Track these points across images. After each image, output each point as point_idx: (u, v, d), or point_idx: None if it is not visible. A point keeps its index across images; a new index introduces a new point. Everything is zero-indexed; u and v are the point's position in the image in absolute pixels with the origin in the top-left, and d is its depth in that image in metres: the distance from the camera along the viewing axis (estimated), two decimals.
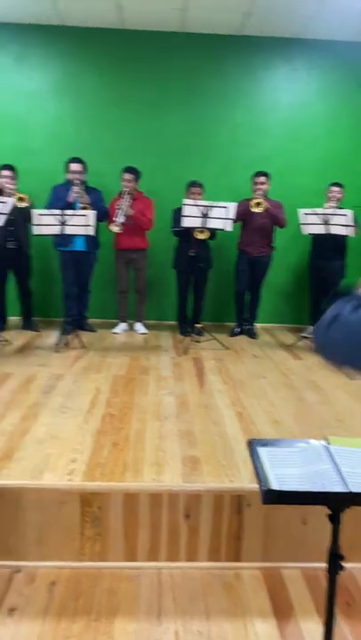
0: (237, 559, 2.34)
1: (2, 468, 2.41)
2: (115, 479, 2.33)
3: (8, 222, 4.55)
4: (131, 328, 5.37)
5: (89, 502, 2.27)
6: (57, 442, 2.69)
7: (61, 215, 4.30)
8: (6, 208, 4.37)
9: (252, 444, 1.61)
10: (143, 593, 2.16)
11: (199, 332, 4.98)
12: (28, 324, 5.25)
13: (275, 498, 1.40)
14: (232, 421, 3.06)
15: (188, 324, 5.26)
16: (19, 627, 1.97)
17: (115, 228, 4.85)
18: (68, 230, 4.35)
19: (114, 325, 5.33)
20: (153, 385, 3.66)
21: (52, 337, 4.80)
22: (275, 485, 1.41)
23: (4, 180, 4.80)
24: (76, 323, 5.06)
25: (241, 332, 5.38)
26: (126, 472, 2.40)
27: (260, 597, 2.16)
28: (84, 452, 2.58)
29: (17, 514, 2.28)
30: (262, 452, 1.58)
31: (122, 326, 5.34)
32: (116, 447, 2.65)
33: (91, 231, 4.40)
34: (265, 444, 1.63)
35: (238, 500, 2.31)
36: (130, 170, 5.06)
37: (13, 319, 5.30)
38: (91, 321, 5.37)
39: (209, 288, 5.40)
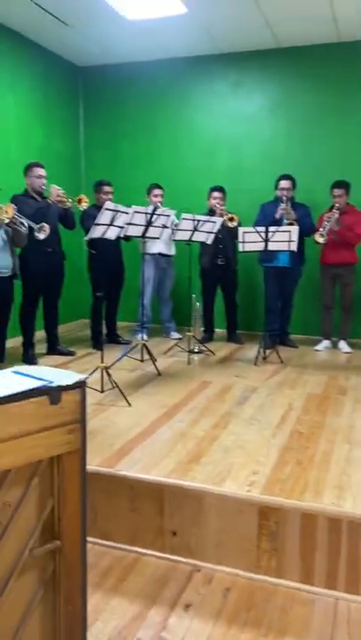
0: None
1: (189, 470, 2.56)
2: (293, 497, 2.30)
3: (218, 240, 4.84)
4: (334, 346, 5.20)
5: (266, 516, 2.29)
6: (242, 452, 2.76)
7: (265, 232, 4.40)
8: (215, 227, 4.66)
9: None
10: (316, 620, 2.08)
11: None
12: (232, 337, 5.46)
13: None
14: None
15: None
16: (192, 623, 2.07)
17: (319, 239, 4.78)
18: (272, 246, 4.43)
19: (316, 342, 5.23)
20: (349, 406, 3.50)
21: (252, 350, 4.91)
22: None
23: (215, 201, 5.13)
24: (277, 337, 5.11)
25: None
26: (306, 492, 2.35)
27: None
28: (266, 465, 2.61)
29: (199, 515, 2.40)
30: None
31: (324, 343, 5.20)
32: (300, 465, 2.61)
33: (293, 247, 4.41)
34: None
35: None
36: (339, 184, 4.94)
37: (219, 331, 5.57)
38: (293, 337, 5.36)
39: None
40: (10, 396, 1.43)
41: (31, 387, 1.49)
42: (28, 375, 1.58)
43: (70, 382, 1.56)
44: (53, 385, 1.52)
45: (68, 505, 1.60)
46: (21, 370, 1.64)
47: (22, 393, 1.46)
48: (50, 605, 1.63)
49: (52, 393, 1.52)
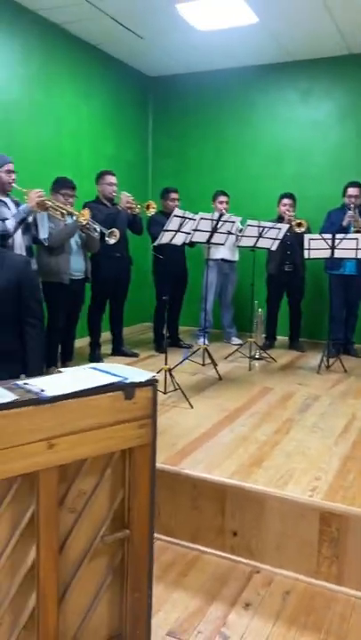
0: None
1: (251, 472, 2.60)
2: (356, 505, 2.29)
3: (285, 247, 4.85)
4: None
5: (328, 522, 2.29)
6: (304, 458, 2.77)
7: (331, 239, 4.37)
8: (280, 234, 4.67)
9: None
10: None
11: None
12: (294, 345, 5.43)
13: None
14: None
15: None
16: (251, 622, 2.11)
17: None
18: (338, 254, 4.39)
19: None
20: None
21: (315, 358, 4.86)
22: None
23: (284, 207, 5.14)
24: (341, 346, 5.04)
25: None
26: None
27: None
28: (328, 472, 2.60)
29: (260, 518, 2.43)
30: None
31: None
32: None
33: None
34: None
35: None
36: None
37: (280, 338, 5.55)
38: (357, 346, 5.27)
39: None
40: (88, 389, 1.53)
41: (108, 382, 1.59)
42: (104, 371, 1.68)
43: (143, 379, 1.65)
44: (128, 381, 1.62)
45: (138, 496, 1.68)
46: (98, 366, 1.74)
47: (100, 387, 1.56)
48: (118, 591, 1.71)
49: (127, 389, 1.61)
